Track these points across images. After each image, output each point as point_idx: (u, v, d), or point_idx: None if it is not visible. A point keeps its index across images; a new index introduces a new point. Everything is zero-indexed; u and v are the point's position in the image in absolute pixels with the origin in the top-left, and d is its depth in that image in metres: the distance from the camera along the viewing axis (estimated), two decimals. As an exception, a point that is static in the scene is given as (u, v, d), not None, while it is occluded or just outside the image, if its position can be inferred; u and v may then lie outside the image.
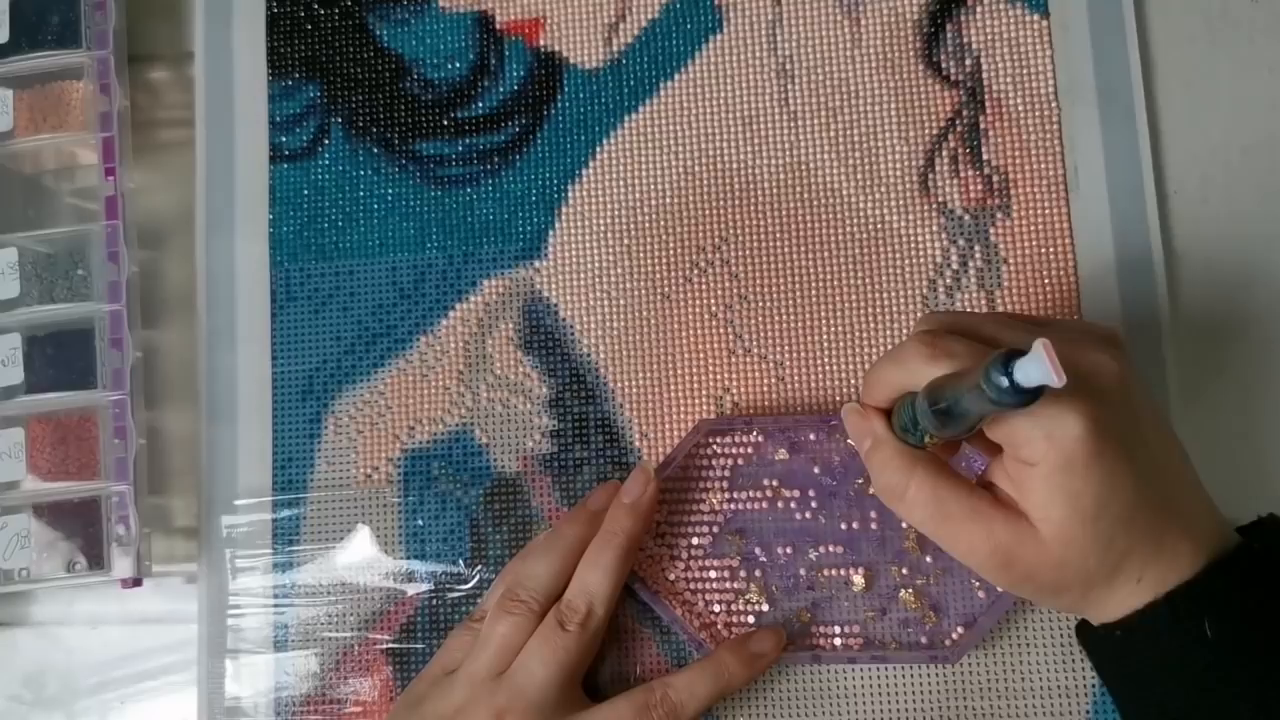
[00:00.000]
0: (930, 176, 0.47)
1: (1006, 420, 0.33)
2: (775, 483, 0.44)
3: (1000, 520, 0.34)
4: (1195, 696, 0.33)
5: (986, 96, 0.47)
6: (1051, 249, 0.46)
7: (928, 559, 0.43)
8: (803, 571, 0.44)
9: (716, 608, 0.44)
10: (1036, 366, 0.27)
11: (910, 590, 0.43)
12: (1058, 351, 0.27)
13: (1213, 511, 0.35)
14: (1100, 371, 0.33)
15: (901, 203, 0.47)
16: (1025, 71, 0.47)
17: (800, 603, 0.44)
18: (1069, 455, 0.32)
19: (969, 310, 0.46)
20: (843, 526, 0.44)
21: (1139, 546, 0.33)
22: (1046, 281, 0.45)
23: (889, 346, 0.46)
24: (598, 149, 0.48)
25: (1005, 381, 0.28)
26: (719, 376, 0.46)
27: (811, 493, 0.44)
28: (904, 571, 0.43)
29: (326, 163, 0.50)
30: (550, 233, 0.48)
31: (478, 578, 0.46)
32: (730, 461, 0.45)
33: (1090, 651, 0.37)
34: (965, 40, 0.47)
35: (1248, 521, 0.36)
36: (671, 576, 0.45)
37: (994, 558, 0.34)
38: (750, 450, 0.45)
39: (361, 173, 0.50)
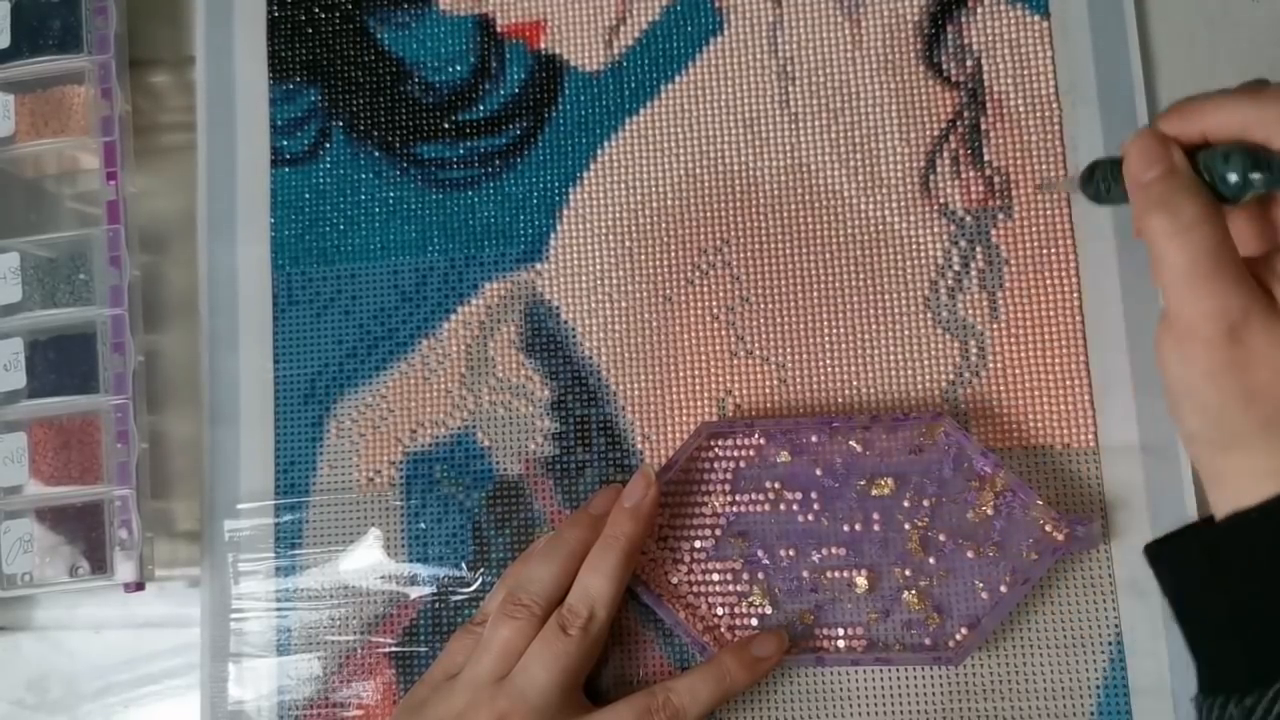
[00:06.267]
0: (931, 177, 0.46)
1: None
2: (777, 485, 0.44)
3: (1248, 290, 0.32)
4: None
5: (987, 97, 0.47)
6: (1053, 250, 0.45)
7: (931, 560, 0.43)
8: (805, 574, 0.44)
9: (719, 610, 0.44)
10: None
11: (913, 592, 0.43)
12: None
13: None
14: None
15: (903, 204, 0.46)
16: (1026, 72, 0.47)
17: (803, 605, 0.44)
18: None
19: None
20: (845, 528, 0.44)
21: None
22: (1048, 282, 0.45)
23: (891, 347, 0.45)
24: (599, 151, 0.48)
25: None
26: (721, 379, 0.46)
27: (814, 495, 0.44)
28: (907, 573, 0.43)
29: (328, 166, 0.50)
30: (551, 235, 0.48)
31: (480, 581, 0.46)
32: (732, 464, 0.45)
33: (1182, 550, 0.35)
34: (966, 41, 0.47)
35: None
36: (674, 579, 0.44)
37: (1219, 321, 0.32)
38: (752, 453, 0.45)
39: (363, 176, 0.50)
